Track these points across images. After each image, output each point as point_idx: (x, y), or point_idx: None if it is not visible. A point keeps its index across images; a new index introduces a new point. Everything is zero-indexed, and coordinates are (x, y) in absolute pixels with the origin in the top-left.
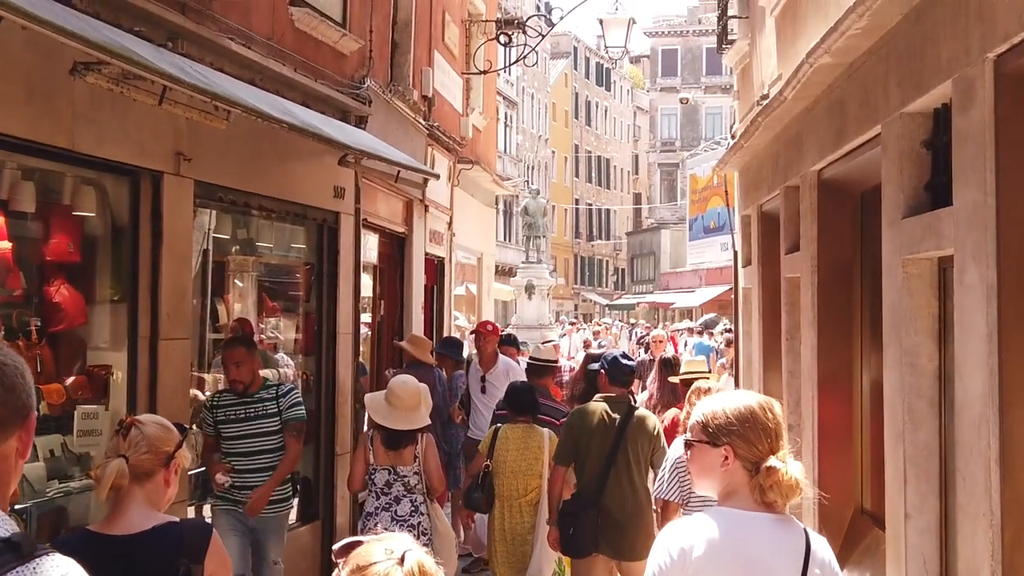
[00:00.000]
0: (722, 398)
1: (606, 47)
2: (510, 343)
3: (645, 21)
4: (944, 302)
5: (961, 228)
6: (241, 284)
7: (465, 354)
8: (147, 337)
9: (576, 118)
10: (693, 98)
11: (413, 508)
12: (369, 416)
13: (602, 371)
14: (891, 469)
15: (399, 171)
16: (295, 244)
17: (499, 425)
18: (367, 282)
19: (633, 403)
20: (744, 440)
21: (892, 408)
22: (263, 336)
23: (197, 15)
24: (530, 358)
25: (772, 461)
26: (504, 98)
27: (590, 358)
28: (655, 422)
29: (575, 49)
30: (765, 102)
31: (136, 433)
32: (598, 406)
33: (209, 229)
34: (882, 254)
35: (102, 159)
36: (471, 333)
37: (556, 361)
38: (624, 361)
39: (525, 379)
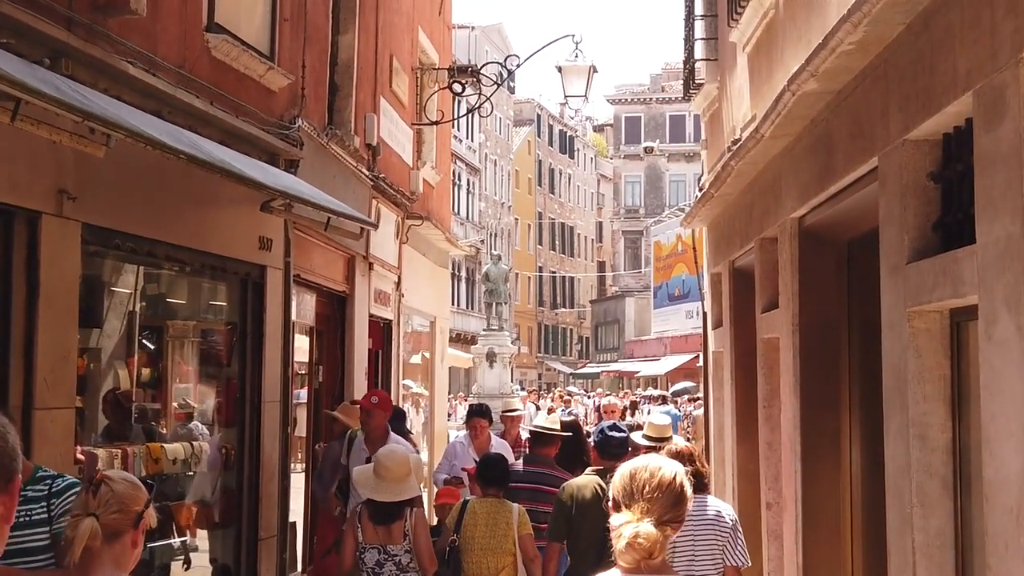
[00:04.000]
0: (631, 460)
1: (565, 96)
2: (481, 415)
3: (608, 88)
4: (958, 361)
5: (988, 270)
6: (151, 345)
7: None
8: (19, 406)
9: (539, 185)
10: (658, 147)
11: None
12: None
13: (592, 443)
14: (896, 560)
15: (329, 218)
16: (215, 301)
17: (467, 499)
18: (303, 345)
19: None
20: (620, 500)
21: (896, 488)
22: (176, 404)
23: (87, 32)
24: (533, 426)
25: (611, 519)
26: (466, 164)
27: (564, 426)
28: None
29: (538, 116)
30: (737, 146)
31: (106, 490)
32: (590, 480)
33: (136, 289)
34: (881, 307)
35: None
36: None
37: (559, 430)
38: (611, 433)
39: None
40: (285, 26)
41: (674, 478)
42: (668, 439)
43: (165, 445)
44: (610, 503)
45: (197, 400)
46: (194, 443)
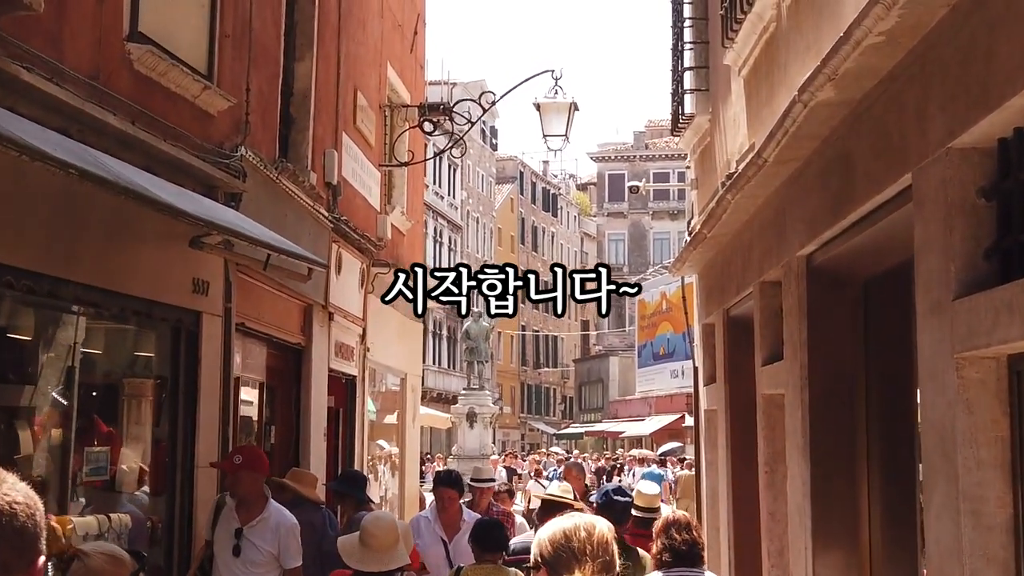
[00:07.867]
0: (552, 522)
1: (544, 136)
2: (449, 484)
3: (591, 146)
4: (1020, 419)
5: None
6: (63, 402)
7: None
8: None
9: (522, 243)
10: (644, 187)
11: None
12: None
13: (594, 506)
14: None
15: (269, 255)
16: (140, 352)
17: (460, 566)
18: (252, 402)
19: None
20: (556, 563)
21: (942, 573)
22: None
23: None
24: (546, 494)
25: None
26: (448, 221)
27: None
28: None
29: (521, 174)
30: (735, 176)
31: (78, 567)
32: None
33: (75, 343)
34: (918, 353)
35: None
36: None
37: (572, 498)
38: (616, 497)
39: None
40: (226, 43)
41: (607, 533)
42: (657, 509)
43: (75, 518)
44: (535, 568)
45: (117, 466)
46: (111, 515)
